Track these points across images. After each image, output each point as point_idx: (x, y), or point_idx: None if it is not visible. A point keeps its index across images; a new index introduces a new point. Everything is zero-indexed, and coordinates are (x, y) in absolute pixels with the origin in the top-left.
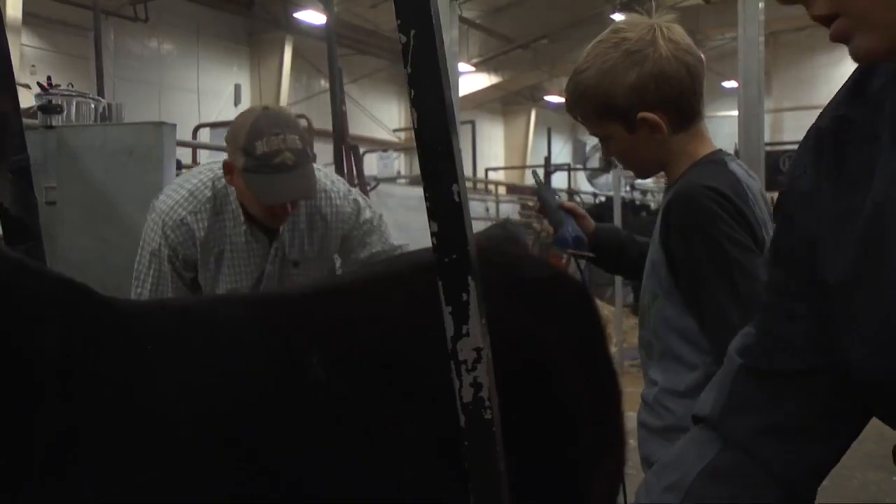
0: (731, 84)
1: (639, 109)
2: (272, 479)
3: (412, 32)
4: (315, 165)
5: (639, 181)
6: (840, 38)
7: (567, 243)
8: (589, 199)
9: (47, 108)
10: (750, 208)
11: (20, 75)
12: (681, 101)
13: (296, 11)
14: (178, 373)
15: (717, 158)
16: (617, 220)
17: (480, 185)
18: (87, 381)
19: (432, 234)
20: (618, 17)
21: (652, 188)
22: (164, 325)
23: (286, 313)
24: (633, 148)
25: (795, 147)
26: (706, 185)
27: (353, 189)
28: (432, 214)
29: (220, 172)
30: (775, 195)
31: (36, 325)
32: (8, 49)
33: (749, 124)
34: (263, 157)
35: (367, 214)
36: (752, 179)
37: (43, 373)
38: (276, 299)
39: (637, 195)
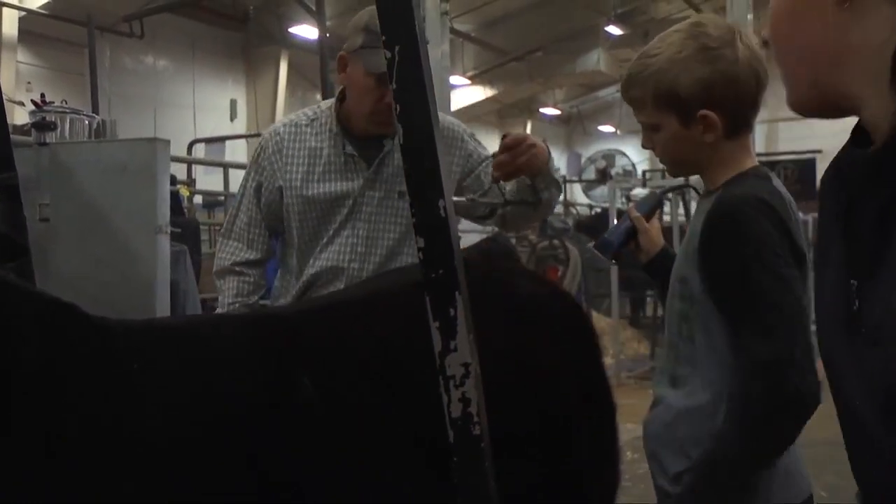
0: None
1: (700, 106)
2: (260, 497)
3: (397, 48)
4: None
5: (634, 191)
6: None
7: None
8: (585, 211)
9: (41, 126)
10: (796, 225)
11: (16, 93)
12: (742, 108)
13: (290, 26)
14: (161, 391)
15: (762, 173)
16: None
17: None
18: (65, 397)
19: (419, 250)
20: (612, 29)
21: None
22: (151, 344)
23: (277, 332)
24: (679, 143)
25: (790, 158)
26: (759, 198)
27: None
28: (419, 229)
29: (324, 106)
30: None
31: (14, 342)
32: None
33: None
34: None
35: (484, 152)
36: (790, 197)
37: (20, 389)
38: (268, 319)
39: None
